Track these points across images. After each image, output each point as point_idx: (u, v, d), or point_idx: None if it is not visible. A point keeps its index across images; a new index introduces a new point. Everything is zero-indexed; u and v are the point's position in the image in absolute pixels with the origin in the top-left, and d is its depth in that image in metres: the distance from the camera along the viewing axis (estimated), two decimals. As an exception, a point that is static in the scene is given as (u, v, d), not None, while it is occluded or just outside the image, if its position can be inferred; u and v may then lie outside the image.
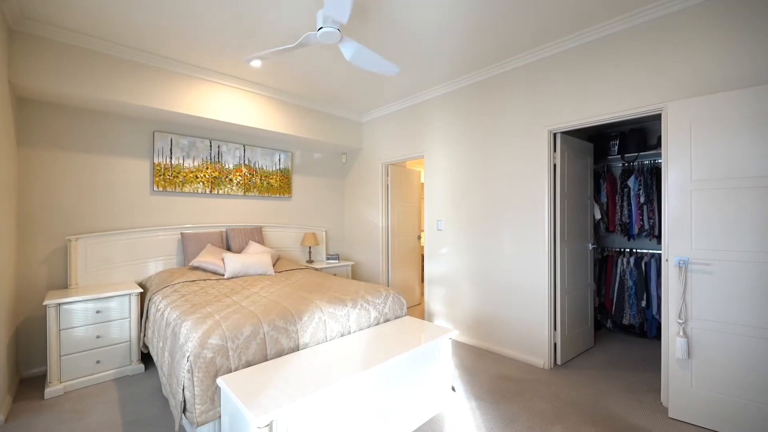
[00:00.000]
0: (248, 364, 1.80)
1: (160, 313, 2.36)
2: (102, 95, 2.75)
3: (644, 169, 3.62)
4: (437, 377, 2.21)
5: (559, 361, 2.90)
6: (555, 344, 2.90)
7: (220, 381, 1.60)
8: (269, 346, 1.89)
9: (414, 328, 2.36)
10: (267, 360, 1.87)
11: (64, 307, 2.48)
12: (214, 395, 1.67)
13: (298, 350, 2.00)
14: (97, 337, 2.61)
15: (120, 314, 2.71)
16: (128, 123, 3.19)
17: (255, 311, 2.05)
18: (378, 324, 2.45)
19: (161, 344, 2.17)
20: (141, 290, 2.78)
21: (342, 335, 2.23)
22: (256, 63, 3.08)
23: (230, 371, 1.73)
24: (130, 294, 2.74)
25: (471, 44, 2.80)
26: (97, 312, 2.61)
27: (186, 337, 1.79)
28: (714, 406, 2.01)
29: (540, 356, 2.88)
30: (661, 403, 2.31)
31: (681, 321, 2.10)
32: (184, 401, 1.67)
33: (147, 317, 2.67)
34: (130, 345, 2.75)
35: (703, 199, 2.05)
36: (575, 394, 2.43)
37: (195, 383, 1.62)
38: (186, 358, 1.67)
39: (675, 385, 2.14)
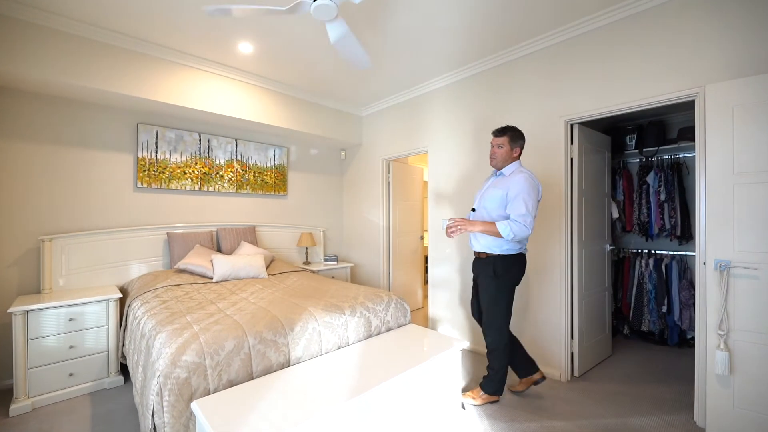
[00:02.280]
0: (230, 384, 1.56)
1: (137, 321, 2.12)
2: (80, 82, 2.51)
3: (664, 164, 3.38)
4: (445, 394, 1.98)
5: (576, 373, 2.66)
6: (572, 354, 2.66)
7: (195, 406, 1.36)
8: (255, 362, 1.65)
9: (419, 339, 2.12)
10: (252, 378, 1.63)
11: (33, 314, 2.24)
12: (188, 422, 1.43)
13: (288, 366, 1.76)
14: (71, 347, 2.37)
15: (96, 322, 2.47)
16: (109, 113, 2.95)
17: (240, 321, 1.81)
18: (379, 333, 2.21)
19: (136, 357, 1.93)
20: (120, 295, 2.55)
21: (339, 347, 1.99)
22: (246, 48, 2.84)
23: (208, 393, 1.50)
24: (107, 299, 2.51)
25: (479, 29, 2.56)
26: (71, 320, 2.37)
27: (158, 352, 1.55)
28: (761, 429, 1.77)
29: (556, 367, 2.64)
30: (695, 422, 2.06)
31: (722, 332, 1.86)
32: (154, 429, 1.43)
33: (126, 325, 2.43)
34: (107, 355, 2.51)
35: (747, 194, 1.81)
36: (598, 411, 2.19)
37: (165, 408, 1.38)
38: (156, 378, 1.43)
39: (714, 404, 1.90)
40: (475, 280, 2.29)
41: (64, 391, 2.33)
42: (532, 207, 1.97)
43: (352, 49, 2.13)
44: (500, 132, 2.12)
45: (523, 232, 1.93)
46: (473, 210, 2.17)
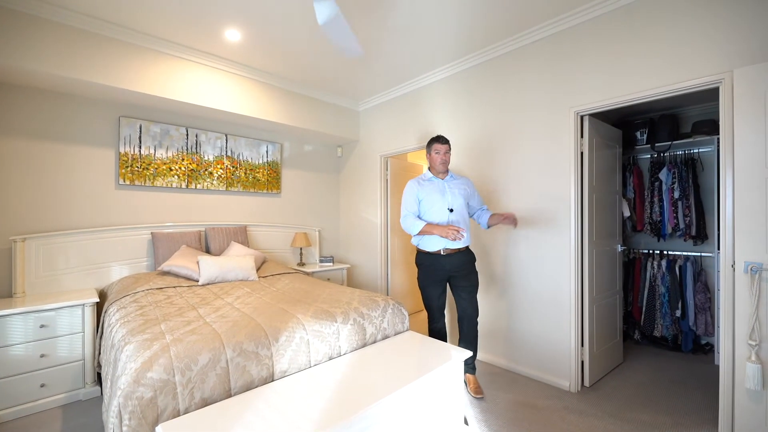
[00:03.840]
0: (204, 403, 1.38)
1: (110, 329, 1.94)
2: (58, 72, 2.34)
3: (677, 160, 3.20)
4: (446, 408, 1.80)
5: (587, 383, 2.48)
6: (582, 362, 2.48)
7: (160, 430, 1.18)
8: (234, 378, 1.47)
9: (418, 348, 1.95)
10: (231, 396, 1.45)
11: (-1, 320, 2.07)
12: (153, 448, 1.25)
13: (272, 380, 1.58)
14: (42, 356, 2.19)
15: (70, 329, 2.29)
16: (88, 106, 2.77)
17: (219, 330, 1.63)
18: (375, 342, 2.03)
19: (107, 370, 1.76)
20: (96, 299, 2.38)
21: (330, 358, 1.81)
22: (234, 35, 2.66)
23: (178, 414, 1.32)
24: (83, 304, 2.33)
25: (481, 15, 2.38)
26: (42, 326, 2.20)
27: (123, 367, 1.38)
28: (799, 450, 1.59)
29: (565, 377, 2.46)
30: (721, 440, 1.89)
31: (753, 343, 1.68)
32: (114, 456, 1.26)
33: (102, 333, 2.26)
34: (83, 364, 2.34)
35: (783, 190, 1.63)
36: (613, 425, 2.01)
37: (125, 434, 1.21)
38: (116, 399, 1.25)
39: (743, 422, 1.72)
40: (444, 278, 2.35)
41: (34, 404, 2.16)
42: None
43: (342, 35, 1.95)
44: (446, 140, 2.37)
45: None
46: (451, 210, 2.29)
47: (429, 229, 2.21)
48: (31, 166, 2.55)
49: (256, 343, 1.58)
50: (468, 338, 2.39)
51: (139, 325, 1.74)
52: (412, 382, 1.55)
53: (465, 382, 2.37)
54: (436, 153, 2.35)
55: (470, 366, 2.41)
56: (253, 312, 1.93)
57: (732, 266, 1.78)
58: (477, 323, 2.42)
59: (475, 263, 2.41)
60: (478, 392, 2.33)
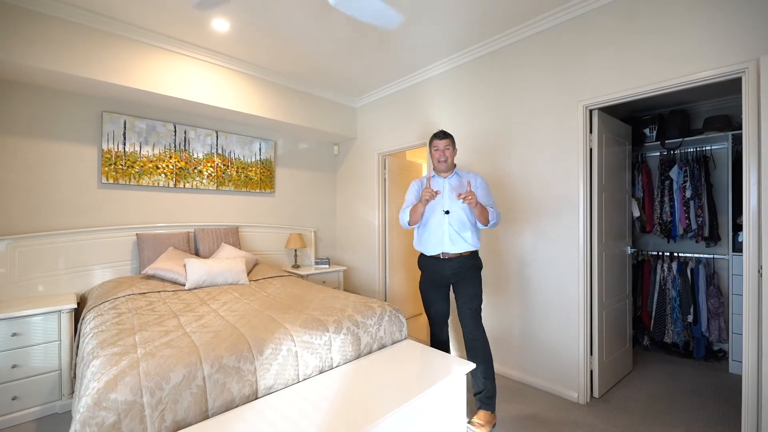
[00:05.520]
0: (177, 426, 1.24)
1: (84, 339, 1.79)
2: (34, 63, 2.20)
3: (689, 157, 3.06)
4: (448, 424, 1.65)
5: (596, 393, 2.34)
6: (591, 372, 2.34)
7: (122, 462, 1.04)
8: (212, 397, 1.33)
9: (417, 359, 1.80)
10: (208, 417, 1.31)
11: (-34, 329, 1.93)
12: (116, 481, 1.11)
13: (256, 398, 1.44)
14: (13, 366, 2.05)
15: (45, 337, 2.15)
16: (68, 100, 2.62)
17: (198, 342, 1.48)
18: (370, 352, 1.89)
19: (78, 385, 1.61)
20: (74, 305, 2.23)
21: (321, 371, 1.67)
22: (222, 25, 2.51)
23: (146, 440, 1.17)
24: (59, 311, 2.19)
25: (483, 5, 2.23)
26: (14, 335, 2.06)
27: (86, 386, 1.23)
28: (835, 475, 1.45)
29: (573, 387, 2.32)
30: (744, 458, 1.74)
31: (783, 355, 1.53)
32: (72, 489, 1.11)
33: (78, 342, 2.11)
34: (60, 375, 2.19)
35: (817, 188, 1.49)
36: (627, 443, 1.87)
37: (82, 466, 1.06)
38: (73, 426, 1.11)
39: (771, 441, 1.58)
40: (444, 283, 2.16)
41: (5, 418, 2.02)
42: None
43: (364, 4, 1.64)
44: (444, 135, 2.17)
45: (499, 219, 2.13)
46: (447, 212, 2.09)
47: (414, 210, 2.06)
48: (6, 163, 2.40)
49: (238, 357, 1.43)
50: (482, 361, 2.04)
51: (111, 335, 1.59)
52: (411, 400, 1.41)
53: (473, 423, 1.98)
54: (435, 150, 2.15)
55: (487, 399, 2.03)
56: (239, 320, 1.78)
57: (759, 271, 1.64)
58: (487, 344, 2.08)
59: (480, 271, 2.15)
60: (482, 424, 1.96)
